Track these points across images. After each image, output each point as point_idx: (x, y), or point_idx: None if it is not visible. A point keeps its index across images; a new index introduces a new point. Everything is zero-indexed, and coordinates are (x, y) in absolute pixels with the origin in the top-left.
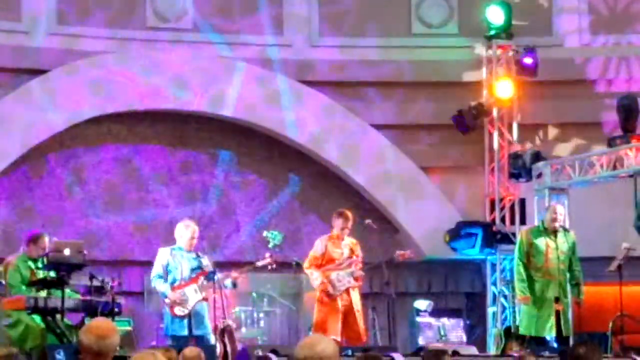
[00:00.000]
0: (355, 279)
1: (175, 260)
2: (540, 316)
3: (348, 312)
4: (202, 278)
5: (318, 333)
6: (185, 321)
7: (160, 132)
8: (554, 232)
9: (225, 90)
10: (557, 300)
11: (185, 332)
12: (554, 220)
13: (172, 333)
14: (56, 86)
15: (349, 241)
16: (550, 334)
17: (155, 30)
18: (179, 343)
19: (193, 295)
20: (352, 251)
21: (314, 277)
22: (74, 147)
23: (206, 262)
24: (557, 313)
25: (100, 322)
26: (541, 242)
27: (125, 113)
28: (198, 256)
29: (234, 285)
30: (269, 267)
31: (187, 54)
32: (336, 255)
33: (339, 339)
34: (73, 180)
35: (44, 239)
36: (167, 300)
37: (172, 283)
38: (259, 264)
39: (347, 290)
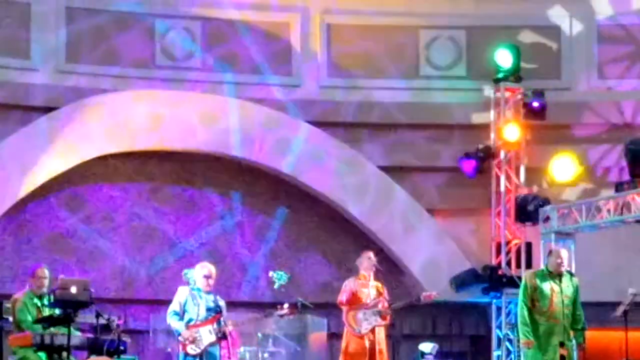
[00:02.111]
0: (383, 318)
1: (193, 301)
2: None
3: (372, 351)
4: (217, 322)
5: None
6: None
7: (168, 171)
8: (559, 276)
9: (232, 130)
10: (561, 344)
11: None
12: (560, 264)
13: None
14: (63, 124)
15: (375, 283)
16: None
17: (163, 69)
18: None
19: (207, 335)
20: (379, 292)
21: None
22: (81, 185)
23: (223, 304)
24: (562, 357)
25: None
26: (546, 286)
27: (132, 152)
28: (216, 298)
29: (224, 335)
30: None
31: (196, 94)
32: (363, 296)
33: None
34: (79, 218)
35: (41, 271)
36: (180, 338)
37: (188, 322)
38: (278, 314)
39: (373, 329)
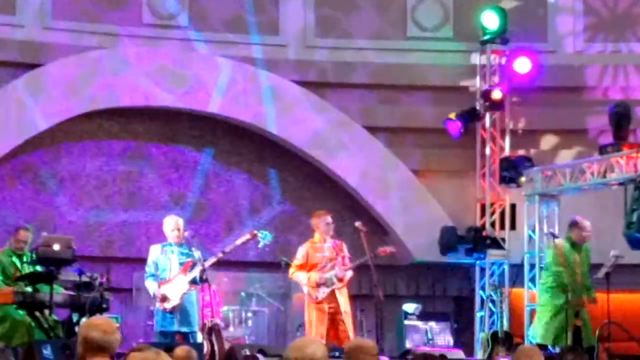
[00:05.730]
0: (339, 280)
1: (165, 257)
2: (559, 328)
3: (335, 315)
4: (189, 269)
5: (307, 334)
6: (175, 317)
7: (152, 128)
8: (579, 247)
9: (217, 88)
10: (576, 314)
11: (175, 328)
12: (587, 236)
13: (161, 329)
14: (49, 81)
15: (331, 243)
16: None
17: (149, 26)
18: (167, 339)
19: (180, 286)
20: (335, 252)
21: (301, 277)
22: (65, 142)
23: (198, 255)
24: (577, 327)
25: (103, 319)
26: (572, 257)
27: (116, 109)
28: (190, 250)
29: (201, 279)
30: (247, 242)
31: (181, 52)
32: (318, 260)
33: (323, 342)
34: (64, 175)
35: (22, 232)
36: (156, 297)
37: (162, 280)
38: (238, 242)
39: (332, 293)
